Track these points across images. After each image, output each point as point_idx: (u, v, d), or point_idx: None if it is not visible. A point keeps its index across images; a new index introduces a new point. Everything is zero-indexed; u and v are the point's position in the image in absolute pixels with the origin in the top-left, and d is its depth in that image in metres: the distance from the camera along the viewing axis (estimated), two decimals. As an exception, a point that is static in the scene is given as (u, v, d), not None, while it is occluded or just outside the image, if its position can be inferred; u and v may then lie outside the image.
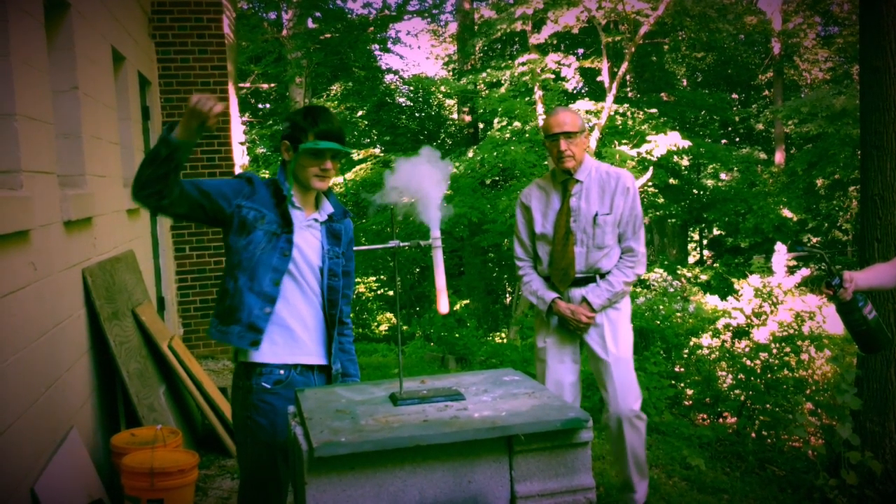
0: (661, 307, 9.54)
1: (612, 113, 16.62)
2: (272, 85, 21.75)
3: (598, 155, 16.00)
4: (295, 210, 2.83)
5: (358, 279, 18.67)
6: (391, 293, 18.84)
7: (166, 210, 2.68)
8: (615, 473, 4.82)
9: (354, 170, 18.80)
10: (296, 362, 2.85)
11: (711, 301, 13.63)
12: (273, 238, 2.76)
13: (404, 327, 16.11)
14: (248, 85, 20.63)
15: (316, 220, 2.88)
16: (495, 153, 16.69)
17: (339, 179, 18.51)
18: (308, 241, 2.85)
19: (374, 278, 19.02)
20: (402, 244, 3.37)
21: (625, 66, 16.73)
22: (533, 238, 4.03)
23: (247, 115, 21.15)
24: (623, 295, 3.92)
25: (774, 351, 6.30)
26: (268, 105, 23.70)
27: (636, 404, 3.93)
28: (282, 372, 2.84)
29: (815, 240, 21.79)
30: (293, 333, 2.86)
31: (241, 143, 16.68)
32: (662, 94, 22.00)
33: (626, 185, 3.88)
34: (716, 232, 24.21)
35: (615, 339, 3.92)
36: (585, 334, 3.96)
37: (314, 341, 2.90)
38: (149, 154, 2.57)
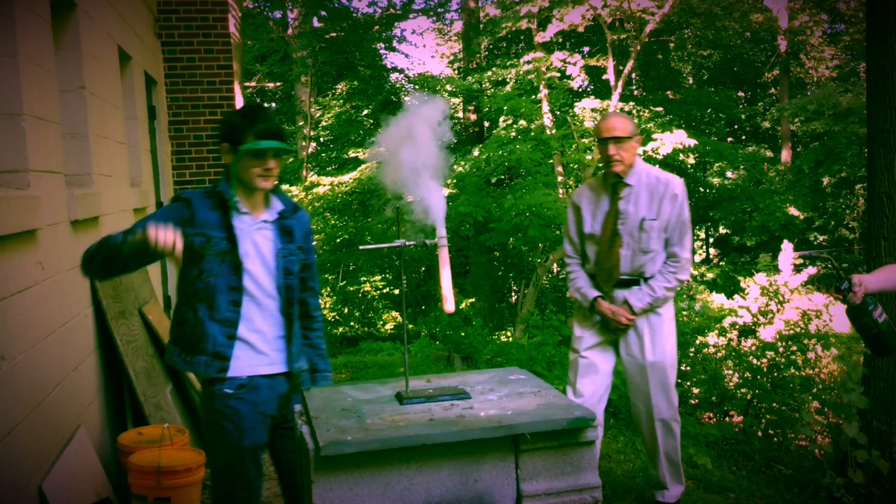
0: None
1: (618, 111, 16.59)
2: (278, 84, 21.78)
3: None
4: (242, 215, 2.79)
5: (364, 278, 18.68)
6: (397, 292, 18.85)
7: (117, 276, 2.68)
8: (621, 473, 4.82)
9: (360, 169, 18.81)
10: (255, 374, 2.83)
11: (718, 299, 13.59)
12: (225, 257, 2.74)
13: (410, 326, 16.12)
14: (253, 84, 20.66)
15: (266, 220, 2.85)
16: (501, 152, 16.67)
17: (346, 178, 18.53)
18: (260, 245, 2.82)
19: (379, 277, 19.03)
20: (407, 243, 3.38)
21: (630, 64, 16.70)
22: (582, 237, 4.09)
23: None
24: (665, 300, 3.96)
25: (781, 349, 6.28)
26: (273, 104, 23.73)
27: (672, 409, 3.98)
28: (244, 377, 2.82)
29: (821, 238, 21.72)
30: (253, 347, 2.85)
31: (247, 143, 16.65)
32: (668, 92, 21.95)
33: (675, 191, 3.91)
34: (722, 230, 24.15)
35: (653, 344, 3.96)
36: (623, 336, 4.01)
37: (275, 349, 2.88)
38: (101, 255, 2.58)
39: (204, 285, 2.73)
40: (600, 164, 4.06)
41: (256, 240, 2.81)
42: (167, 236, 2.44)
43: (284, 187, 17.28)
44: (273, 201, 2.88)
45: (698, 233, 25.69)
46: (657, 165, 15.79)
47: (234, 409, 2.77)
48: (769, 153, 24.28)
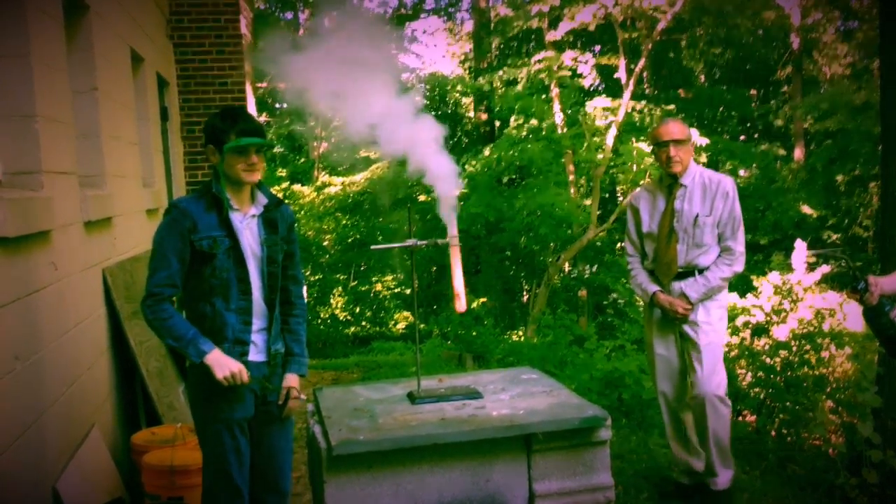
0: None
1: (630, 110, 16.53)
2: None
3: (616, 152, 15.93)
4: (235, 212, 2.95)
5: (375, 277, 18.69)
6: (408, 291, 18.84)
7: None
8: (633, 473, 4.81)
9: (371, 168, 18.84)
10: (244, 360, 2.94)
11: (731, 298, 13.51)
12: (230, 252, 2.92)
13: (421, 325, 16.12)
14: (265, 84, 20.70)
15: (253, 215, 3.01)
16: (512, 151, 16.65)
17: (358, 178, 18.54)
18: (249, 238, 2.98)
19: (391, 277, 19.04)
20: (419, 243, 3.39)
21: (642, 62, 16.65)
22: (641, 236, 4.37)
23: (264, 114, 21.21)
24: (719, 290, 4.19)
25: (794, 348, 6.25)
26: (285, 105, 23.78)
27: (720, 389, 4.17)
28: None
29: (834, 237, 21.57)
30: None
31: (259, 143, 16.67)
32: (680, 90, 21.86)
33: (726, 189, 4.16)
34: (734, 229, 23.93)
35: (707, 325, 4.17)
36: (684, 323, 4.23)
37: (261, 338, 3.01)
38: (165, 342, 2.85)
39: (218, 281, 2.90)
40: (647, 168, 4.12)
41: (246, 235, 2.97)
42: (239, 378, 2.80)
43: (296, 187, 17.32)
44: (258, 196, 3.04)
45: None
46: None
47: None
48: (782, 151, 24.07)
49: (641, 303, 4.39)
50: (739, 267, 4.18)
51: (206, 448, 2.98)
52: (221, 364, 2.80)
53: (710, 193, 4.15)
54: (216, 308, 2.90)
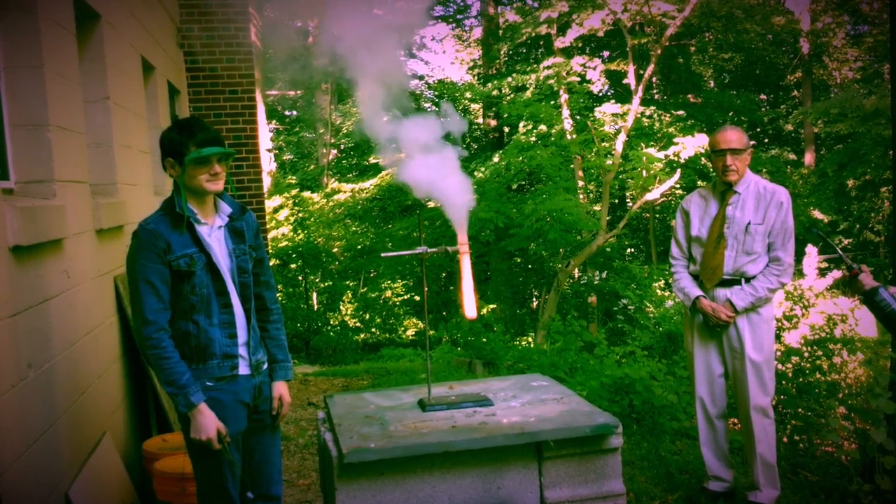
0: (689, 311, 9.41)
1: (639, 115, 16.49)
2: (299, 92, 21.90)
3: (625, 157, 15.91)
4: (201, 226, 2.93)
5: (384, 284, 18.70)
6: (418, 298, 18.85)
7: None
8: (644, 480, 4.79)
9: (380, 175, 18.86)
10: (230, 374, 2.94)
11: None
12: (206, 267, 2.89)
13: (431, 332, 16.11)
14: (275, 92, 20.79)
15: (219, 226, 2.99)
16: (521, 157, 16.64)
17: (367, 185, 18.56)
18: (218, 250, 2.95)
19: (401, 283, 19.04)
20: (429, 250, 3.39)
21: (651, 68, 16.61)
22: (689, 240, 4.38)
23: (273, 122, 21.30)
24: (766, 301, 4.18)
25: (806, 354, 6.22)
26: (294, 112, 23.87)
27: (764, 402, 4.19)
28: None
29: (844, 241, 21.47)
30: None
31: (269, 150, 16.82)
32: (689, 95, 21.82)
33: (781, 200, 4.19)
34: (745, 234, 23.84)
35: (753, 341, 4.18)
36: (725, 333, 4.23)
37: (247, 350, 3.00)
38: (167, 389, 2.80)
39: (198, 297, 2.88)
40: (712, 174, 4.18)
41: (214, 247, 2.95)
42: (213, 446, 2.80)
43: (306, 194, 17.38)
44: (221, 206, 3.03)
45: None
46: (679, 170, 15.75)
47: (216, 399, 2.88)
48: (792, 156, 24.04)
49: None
50: (787, 279, 4.19)
51: (200, 461, 2.97)
52: (199, 427, 2.78)
53: (764, 202, 4.18)
54: (200, 325, 2.88)
